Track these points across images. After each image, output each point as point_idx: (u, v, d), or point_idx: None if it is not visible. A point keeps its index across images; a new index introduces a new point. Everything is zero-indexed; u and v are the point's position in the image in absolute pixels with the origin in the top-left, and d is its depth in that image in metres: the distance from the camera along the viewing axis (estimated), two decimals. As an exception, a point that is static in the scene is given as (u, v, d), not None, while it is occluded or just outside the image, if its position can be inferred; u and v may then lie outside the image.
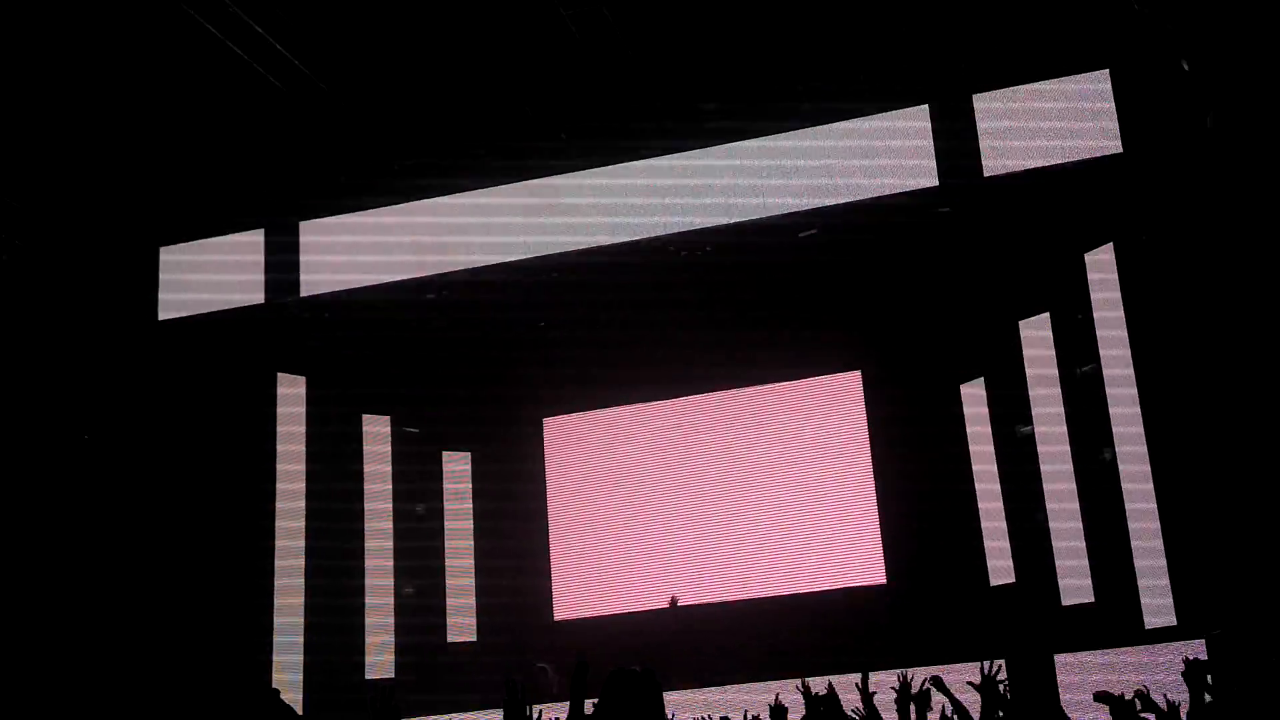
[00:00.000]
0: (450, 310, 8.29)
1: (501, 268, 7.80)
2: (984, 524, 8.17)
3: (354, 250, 8.06)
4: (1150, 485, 6.95)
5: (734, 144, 7.32)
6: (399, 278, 7.97)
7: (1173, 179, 6.46)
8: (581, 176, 7.66)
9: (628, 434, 9.41)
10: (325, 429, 8.72)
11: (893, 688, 4.51)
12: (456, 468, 9.51)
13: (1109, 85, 6.57)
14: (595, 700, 3.33)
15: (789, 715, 4.83)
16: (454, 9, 6.69)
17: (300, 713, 7.78)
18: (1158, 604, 6.95)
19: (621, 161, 7.52)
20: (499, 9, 6.68)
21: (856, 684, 4.60)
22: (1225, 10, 5.91)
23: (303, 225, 8.14)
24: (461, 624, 9.28)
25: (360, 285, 8.00)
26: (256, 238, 8.18)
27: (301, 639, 8.28)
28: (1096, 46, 6.57)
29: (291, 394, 8.63)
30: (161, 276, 8.27)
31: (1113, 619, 7.12)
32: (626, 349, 8.77)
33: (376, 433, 9.16)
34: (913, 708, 4.43)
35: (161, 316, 8.20)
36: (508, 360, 9.12)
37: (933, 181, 6.92)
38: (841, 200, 7.10)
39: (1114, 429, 7.15)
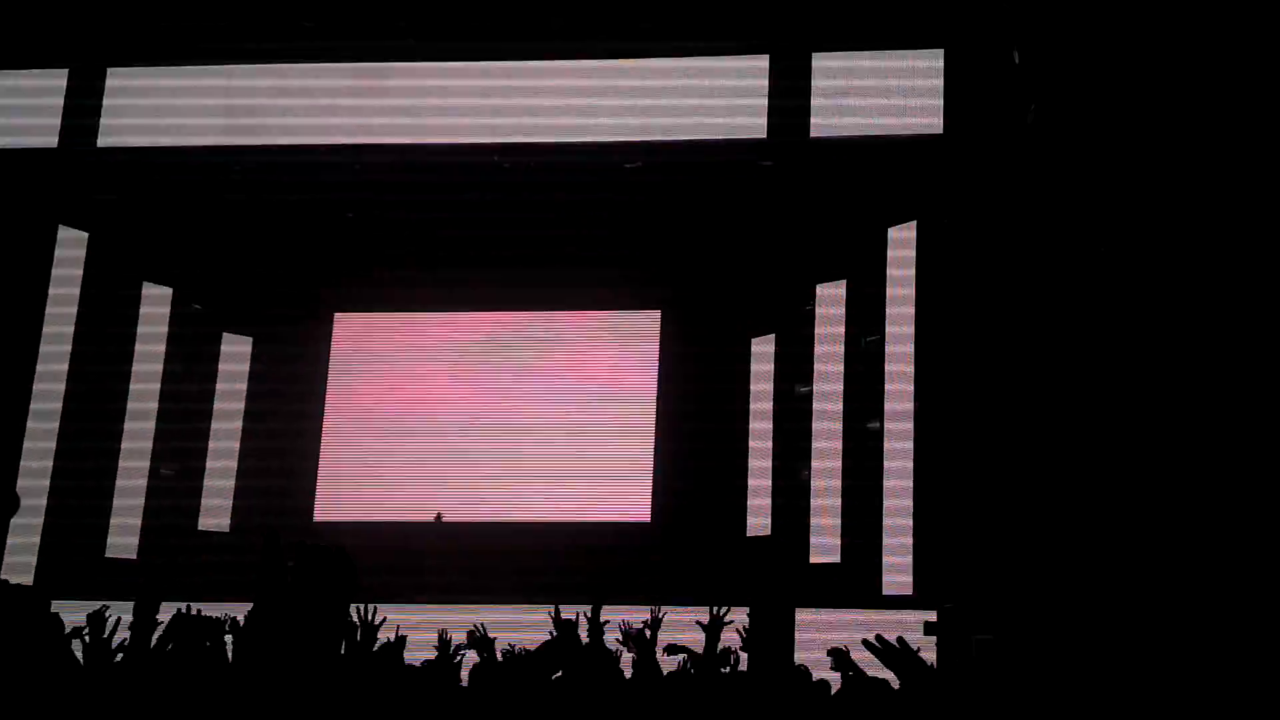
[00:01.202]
0: (255, 187, 7.99)
1: (315, 150, 7.57)
2: (751, 476, 8.40)
3: (162, 108, 7.68)
4: (910, 460, 7.32)
5: (574, 63, 7.30)
6: (204, 142, 7.63)
7: (985, 168, 6.77)
8: (415, 67, 7.50)
9: (419, 342, 9.29)
10: (102, 291, 8.29)
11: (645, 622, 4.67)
12: (236, 350, 9.18)
13: (941, 65, 6.83)
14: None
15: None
16: None
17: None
18: (900, 577, 7.33)
19: (459, 60, 7.39)
20: None
21: (585, 614, 4.73)
22: (1062, 10, 6.21)
23: (111, 72, 7.70)
24: (217, 511, 8.99)
25: (162, 145, 7.63)
26: (59, 79, 7.68)
27: (42, 513, 7.88)
28: (936, 25, 6.81)
29: (72, 250, 8.16)
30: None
31: (855, 581, 7.48)
32: (433, 254, 8.65)
33: (156, 302, 8.75)
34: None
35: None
36: (307, 248, 8.85)
37: (761, 134, 7.07)
38: (670, 138, 7.18)
39: (886, 403, 7.47)
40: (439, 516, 8.76)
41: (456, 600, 7.75)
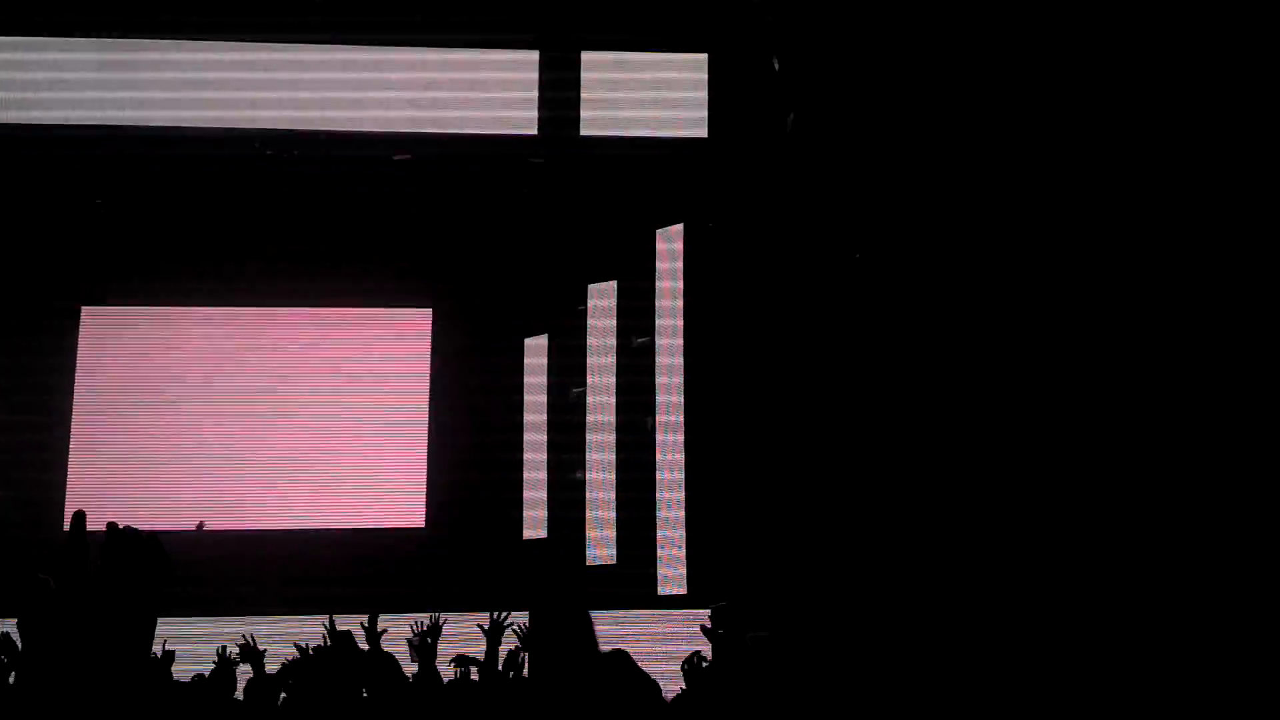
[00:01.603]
0: (-9, 167, 7.45)
1: (65, 129, 7.10)
2: (525, 479, 8.34)
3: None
4: (682, 457, 7.37)
5: (340, 47, 7.06)
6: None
7: (747, 171, 6.88)
8: (172, 46, 7.12)
9: (176, 337, 8.81)
10: None
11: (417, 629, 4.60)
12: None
13: (705, 71, 6.91)
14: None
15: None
16: None
17: None
18: (673, 572, 7.38)
19: (218, 39, 7.05)
20: None
21: (363, 623, 4.66)
22: (821, 18, 6.36)
23: None
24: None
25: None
26: None
27: None
28: (701, 30, 6.89)
29: None
30: None
31: (630, 582, 7.49)
32: (190, 244, 8.20)
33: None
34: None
35: None
36: (50, 235, 8.29)
37: (532, 129, 7.00)
38: (441, 131, 7.03)
39: (657, 399, 7.52)
40: (201, 526, 8.35)
41: (225, 614, 7.43)
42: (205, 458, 8.64)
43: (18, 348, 8.57)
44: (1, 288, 8.29)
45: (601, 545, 7.85)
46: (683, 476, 7.43)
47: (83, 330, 8.79)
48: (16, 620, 3.23)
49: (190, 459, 8.63)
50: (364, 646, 4.54)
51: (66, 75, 7.13)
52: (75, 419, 8.65)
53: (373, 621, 4.68)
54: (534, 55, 6.93)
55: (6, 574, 4.74)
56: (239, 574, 7.96)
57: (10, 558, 7.99)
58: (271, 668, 5.21)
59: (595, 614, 7.40)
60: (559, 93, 6.91)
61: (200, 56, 7.11)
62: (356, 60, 7.05)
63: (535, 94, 6.94)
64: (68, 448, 8.59)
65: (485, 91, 6.92)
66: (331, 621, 4.62)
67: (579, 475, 7.93)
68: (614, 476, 7.84)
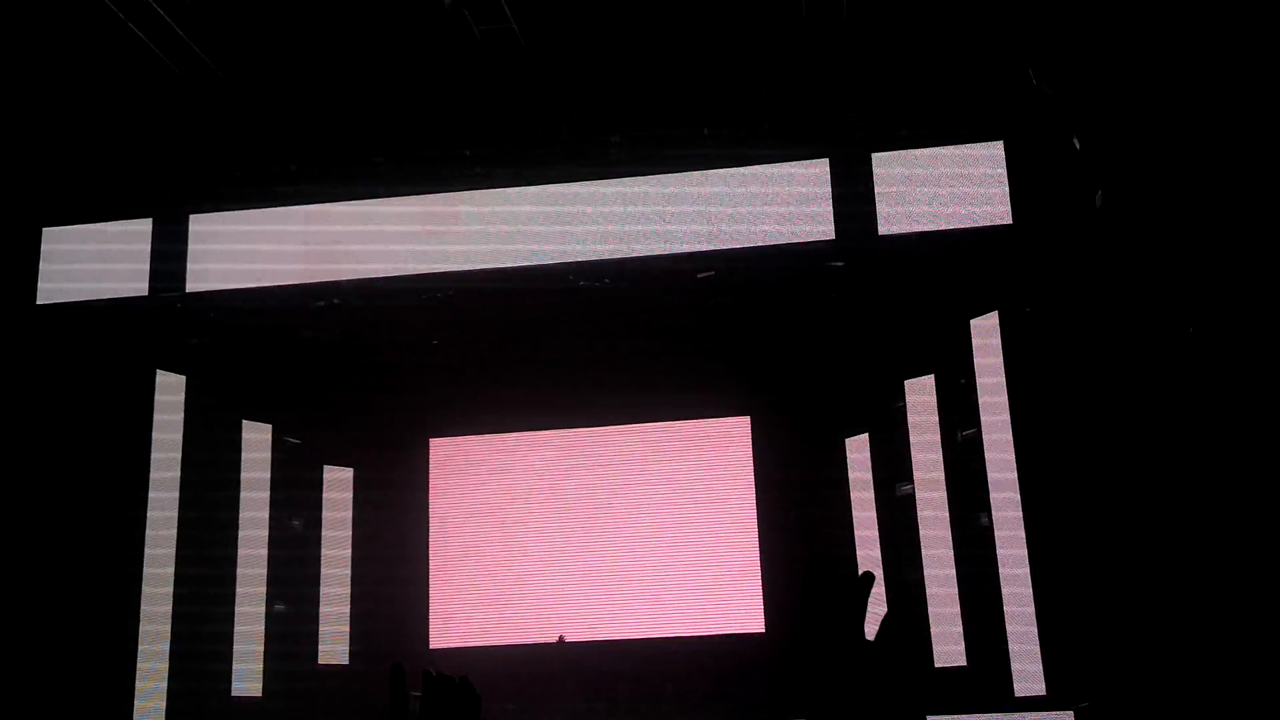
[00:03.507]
0: (341, 320, 8.12)
1: (396, 280, 7.68)
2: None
3: (245, 249, 7.88)
4: (1024, 551, 7.04)
5: (639, 180, 7.31)
6: (290, 281, 7.80)
7: (1059, 253, 6.57)
8: (483, 195, 7.59)
9: (515, 461, 9.29)
10: (203, 433, 8.46)
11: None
12: (338, 482, 9.32)
13: (1003, 155, 6.68)
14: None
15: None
16: (364, 12, 6.62)
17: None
18: (1029, 671, 7.02)
19: (523, 185, 7.48)
20: (411, 18, 6.63)
21: None
22: (1118, 93, 6.06)
23: (193, 218, 7.93)
24: (334, 646, 9.06)
25: (249, 286, 7.82)
26: (144, 226, 7.94)
27: (167, 653, 8.02)
28: (993, 117, 6.68)
29: (170, 394, 8.40)
30: (43, 259, 8.01)
31: (984, 684, 7.16)
32: (518, 375, 8.65)
33: (256, 441, 8.93)
34: None
35: (40, 301, 7.94)
36: (397, 376, 8.95)
37: (829, 234, 6.96)
38: (740, 245, 7.12)
39: (991, 494, 7.23)
40: (562, 639, 8.68)
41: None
42: (551, 572, 9.01)
43: (377, 482, 9.29)
44: (360, 427, 9.08)
45: (949, 644, 7.57)
46: (1027, 571, 7.08)
47: (433, 459, 9.43)
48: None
49: (536, 573, 9.02)
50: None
51: (396, 230, 7.74)
52: (432, 539, 9.26)
53: None
54: (824, 163, 6.93)
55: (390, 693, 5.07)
56: (591, 684, 8.20)
57: (391, 680, 8.53)
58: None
59: (947, 718, 7.17)
60: (852, 197, 6.87)
61: (507, 209, 7.55)
62: (653, 184, 7.28)
63: (829, 199, 6.93)
64: (428, 565, 9.18)
65: (779, 205, 6.97)
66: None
67: (915, 575, 7.70)
68: (953, 575, 7.57)
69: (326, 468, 9.32)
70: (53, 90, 7.12)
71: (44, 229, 8.02)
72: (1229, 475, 6.03)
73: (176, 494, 8.24)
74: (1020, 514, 7.14)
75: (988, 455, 7.29)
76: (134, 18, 6.37)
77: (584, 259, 7.41)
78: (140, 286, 7.87)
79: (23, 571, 7.49)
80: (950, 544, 7.62)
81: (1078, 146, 6.03)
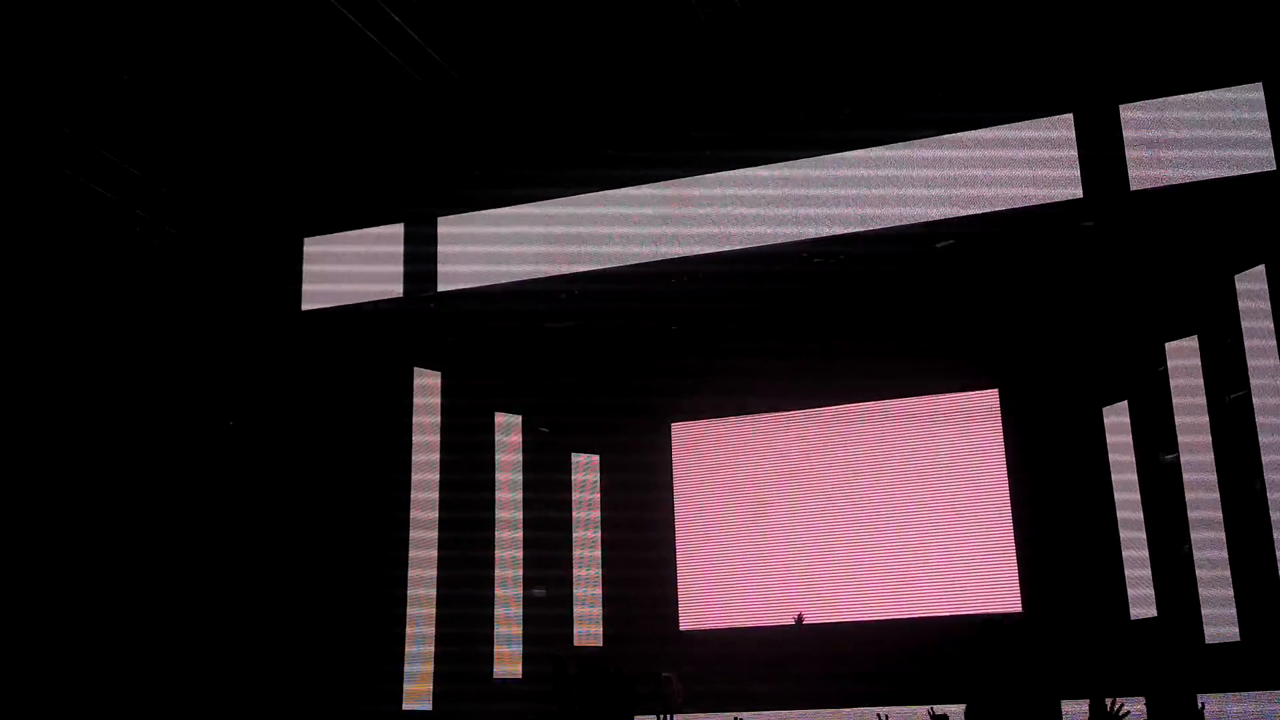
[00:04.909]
0: (582, 310, 8.29)
1: (634, 269, 7.77)
2: (1125, 554, 7.88)
3: (490, 246, 8.14)
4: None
5: (872, 150, 7.16)
6: (533, 275, 8.00)
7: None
8: (714, 178, 7.60)
9: (756, 443, 9.33)
10: (459, 425, 8.82)
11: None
12: (585, 469, 9.56)
13: (1262, 98, 6.23)
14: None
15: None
16: (590, 7, 6.70)
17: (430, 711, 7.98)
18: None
19: (757, 166, 7.43)
20: (634, 7, 6.67)
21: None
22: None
23: (441, 220, 8.24)
24: (587, 629, 9.32)
25: (495, 282, 8.07)
26: (396, 231, 8.30)
27: (433, 636, 8.37)
28: (1250, 58, 6.23)
29: (427, 388, 8.77)
30: (305, 267, 8.48)
31: (1260, 659, 6.79)
32: (757, 357, 8.66)
33: (508, 430, 9.26)
34: None
35: (304, 307, 8.41)
36: (638, 363, 9.10)
37: (1077, 193, 6.64)
38: (981, 210, 6.89)
39: (1264, 458, 6.81)
40: (800, 619, 8.67)
41: (824, 706, 7.66)
42: (795, 553, 8.99)
43: (623, 467, 9.48)
44: (605, 414, 9.28)
45: (1221, 622, 7.20)
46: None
47: (675, 443, 9.56)
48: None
49: (781, 555, 9.02)
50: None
51: (630, 221, 7.83)
52: (678, 522, 9.39)
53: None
54: (1068, 118, 6.62)
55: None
56: (837, 668, 8.13)
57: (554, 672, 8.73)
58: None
59: (1219, 696, 6.80)
60: (1101, 151, 6.54)
61: (739, 191, 7.53)
62: (889, 155, 7.12)
63: (1075, 156, 6.62)
64: (674, 552, 9.32)
65: (1022, 168, 6.70)
66: (933, 712, 4.56)
67: (1185, 548, 7.34)
68: (1225, 545, 7.19)
69: (574, 455, 9.64)
70: (304, 105, 7.50)
71: (305, 239, 8.48)
72: None
73: (437, 483, 8.60)
74: (1296, 479, 6.69)
75: (1259, 419, 6.87)
76: (372, 27, 6.64)
77: (819, 234, 7.31)
78: (395, 289, 8.22)
79: (301, 562, 7.93)
80: (1220, 513, 7.24)
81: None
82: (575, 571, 9.32)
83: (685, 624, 9.20)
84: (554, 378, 9.05)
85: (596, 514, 9.48)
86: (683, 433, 9.57)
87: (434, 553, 8.50)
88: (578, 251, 7.94)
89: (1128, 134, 6.56)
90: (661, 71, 7.10)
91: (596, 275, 7.89)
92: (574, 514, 9.42)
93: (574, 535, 9.38)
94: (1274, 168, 6.15)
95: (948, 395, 8.76)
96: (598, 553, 9.41)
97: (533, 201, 8.03)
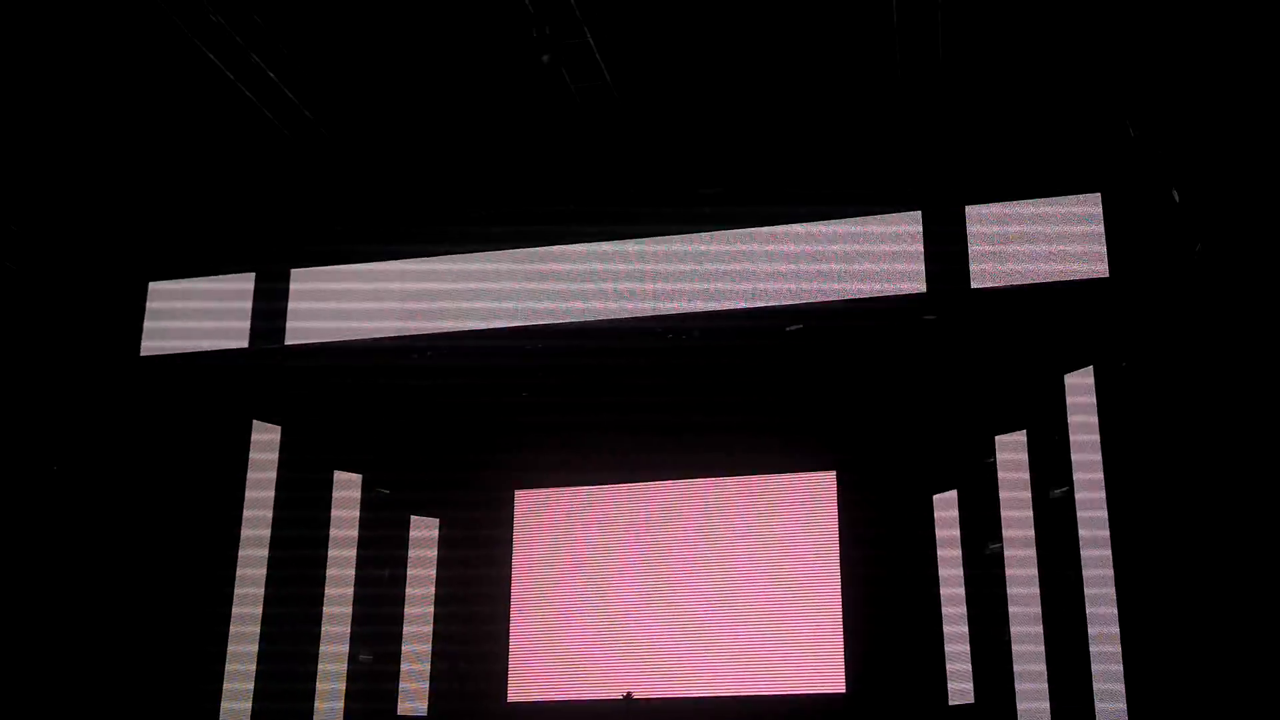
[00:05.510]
0: (433, 372, 8.23)
1: (489, 333, 7.78)
2: (947, 639, 8.10)
3: (343, 302, 8.04)
4: (1114, 611, 6.92)
5: (732, 232, 7.37)
6: (385, 334, 7.94)
7: (1156, 307, 6.52)
8: (576, 249, 7.70)
9: (599, 514, 9.34)
10: (296, 481, 8.62)
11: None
12: (424, 533, 9.41)
13: (1100, 209, 6.66)
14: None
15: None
16: (464, 71, 6.78)
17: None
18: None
19: (617, 240, 7.57)
20: (508, 75, 6.77)
21: None
22: (1218, 144, 6.03)
23: (294, 273, 8.13)
24: (413, 695, 9.11)
25: (346, 339, 7.97)
26: (247, 282, 8.15)
27: (251, 695, 8.10)
28: (1090, 169, 6.67)
29: (265, 443, 8.56)
30: (149, 310, 8.23)
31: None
32: (606, 427, 8.74)
33: (347, 491, 9.08)
34: None
35: (144, 352, 8.15)
36: (486, 427, 9.08)
37: (921, 288, 6.96)
38: (830, 298, 7.14)
39: (1083, 552, 7.12)
40: (629, 696, 8.65)
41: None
42: (632, 629, 8.99)
43: (463, 533, 9.36)
44: (448, 478, 9.18)
45: (1034, 709, 7.45)
46: (1118, 631, 6.94)
47: (518, 510, 9.49)
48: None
49: (614, 628, 9.00)
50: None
51: (489, 285, 7.86)
52: (514, 591, 9.28)
53: None
54: (917, 215, 6.95)
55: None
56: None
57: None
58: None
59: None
60: (945, 248, 6.87)
61: (599, 265, 7.64)
62: (745, 237, 7.33)
63: (921, 252, 6.94)
64: (508, 617, 9.19)
65: (870, 263, 7.00)
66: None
67: (1003, 635, 7.59)
68: (1041, 635, 7.45)
69: (414, 517, 9.49)
70: (162, 148, 7.35)
71: (150, 283, 8.24)
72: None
73: (268, 540, 8.37)
74: (1111, 572, 7.00)
75: (1080, 513, 7.19)
76: (244, 79, 6.59)
77: (674, 312, 7.47)
78: (241, 340, 8.04)
79: (115, 618, 7.63)
80: (1039, 604, 7.51)
81: (1177, 199, 6.01)
82: (406, 636, 9.11)
83: (514, 695, 9.07)
84: (398, 438, 8.95)
85: (431, 578, 9.31)
86: (526, 500, 9.52)
87: (259, 610, 8.26)
88: (433, 310, 7.92)
89: (973, 233, 6.91)
90: (533, 139, 7.22)
91: (450, 336, 7.88)
92: (409, 578, 9.24)
93: (407, 599, 9.19)
94: (1107, 274, 6.56)
95: (789, 475, 8.94)
96: (430, 618, 9.23)
97: (392, 259, 8.00)
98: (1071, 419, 7.15)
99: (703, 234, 7.39)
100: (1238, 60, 5.88)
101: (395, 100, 7.08)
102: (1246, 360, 6.20)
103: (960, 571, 8.13)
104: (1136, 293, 6.53)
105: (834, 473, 8.85)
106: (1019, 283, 6.77)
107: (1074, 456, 7.17)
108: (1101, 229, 6.62)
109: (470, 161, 7.57)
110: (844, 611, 8.58)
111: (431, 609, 9.21)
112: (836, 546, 8.72)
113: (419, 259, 7.95)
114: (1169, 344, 6.49)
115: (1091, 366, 7.02)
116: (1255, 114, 5.89)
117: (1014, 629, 7.54)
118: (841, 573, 8.65)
